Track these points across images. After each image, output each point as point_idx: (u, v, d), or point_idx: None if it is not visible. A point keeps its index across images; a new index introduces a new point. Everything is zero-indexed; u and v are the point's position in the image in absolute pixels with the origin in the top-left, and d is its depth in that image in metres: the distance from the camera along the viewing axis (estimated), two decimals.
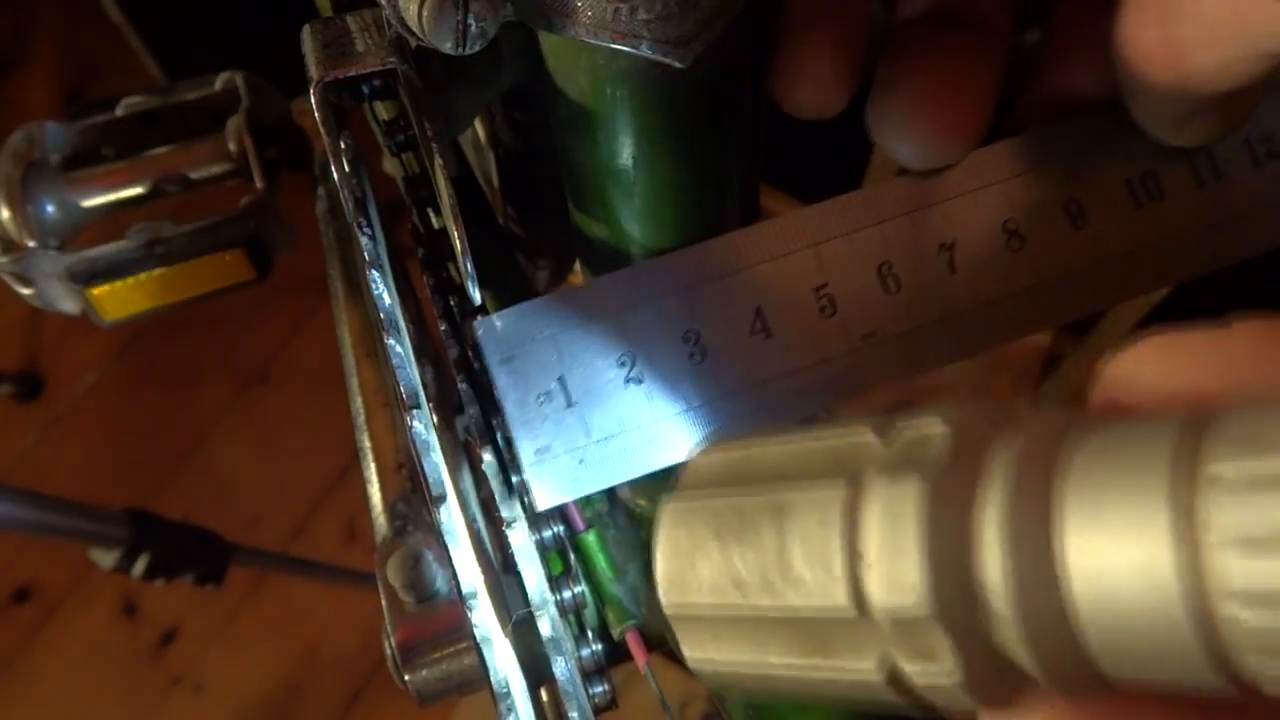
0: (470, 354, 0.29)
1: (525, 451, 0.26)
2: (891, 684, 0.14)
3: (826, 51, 0.25)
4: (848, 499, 0.14)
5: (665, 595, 0.17)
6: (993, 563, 0.12)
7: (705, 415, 0.26)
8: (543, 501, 0.26)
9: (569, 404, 0.26)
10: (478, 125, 0.55)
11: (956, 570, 0.13)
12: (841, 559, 0.14)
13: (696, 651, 0.17)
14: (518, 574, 0.32)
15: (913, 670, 0.13)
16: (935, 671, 0.13)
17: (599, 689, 0.34)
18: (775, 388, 0.26)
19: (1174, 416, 0.11)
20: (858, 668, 0.14)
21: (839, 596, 0.14)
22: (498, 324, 0.26)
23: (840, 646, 0.14)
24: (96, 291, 0.50)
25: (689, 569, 0.16)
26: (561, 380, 0.26)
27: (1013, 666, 0.13)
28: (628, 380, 0.26)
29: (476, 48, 0.21)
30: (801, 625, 0.15)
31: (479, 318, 0.26)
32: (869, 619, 0.13)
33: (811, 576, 0.14)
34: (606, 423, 0.26)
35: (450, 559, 0.28)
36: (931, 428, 0.14)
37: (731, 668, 0.16)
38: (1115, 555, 0.11)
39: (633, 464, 0.26)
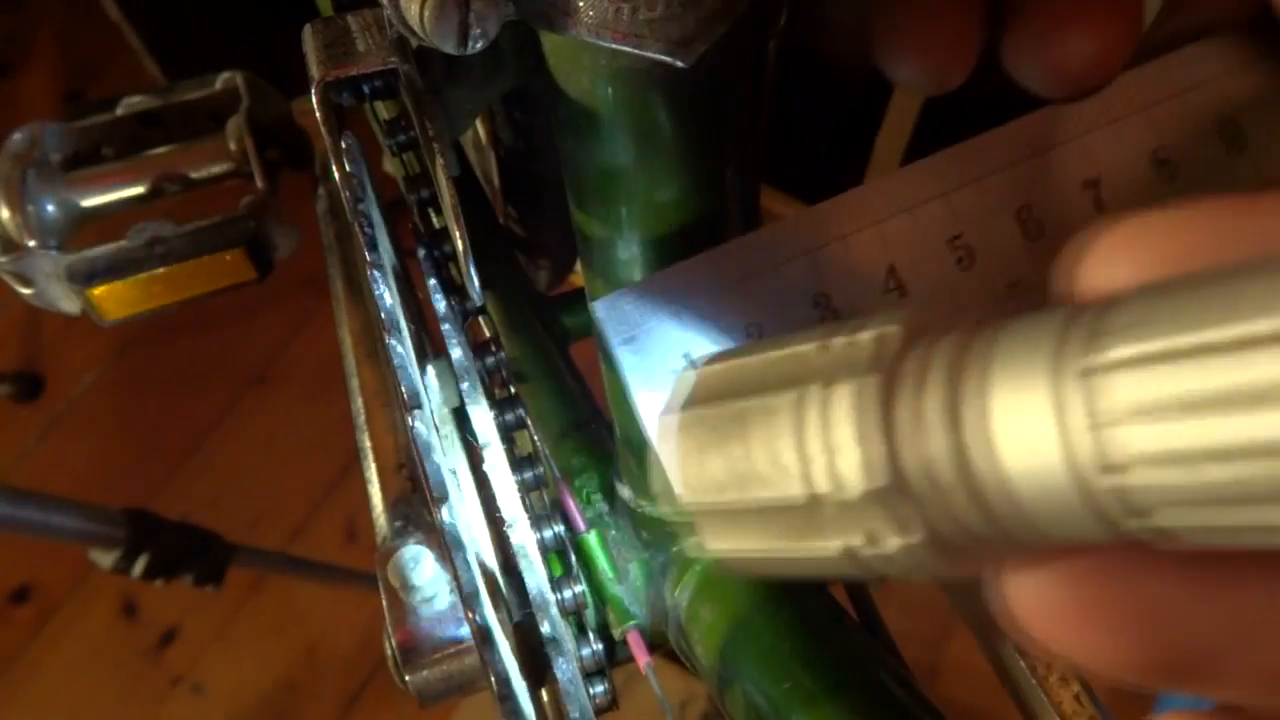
0: (488, 353, 0.29)
1: (656, 438, 0.24)
2: (857, 557, 0.16)
3: (944, 15, 0.23)
4: (800, 405, 0.16)
5: (684, 494, 0.19)
6: (937, 440, 0.14)
7: None
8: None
9: None
10: (479, 125, 0.55)
11: (913, 451, 0.15)
12: (811, 459, 0.16)
13: (714, 541, 0.19)
14: (519, 574, 0.32)
15: (888, 543, 0.15)
16: (907, 542, 0.15)
17: (599, 689, 0.35)
18: None
19: (1077, 306, 0.13)
20: (834, 545, 0.16)
21: (805, 487, 0.16)
22: (618, 303, 0.24)
23: (828, 529, 0.16)
24: (96, 291, 0.50)
25: (697, 471, 0.18)
26: (688, 357, 0.24)
27: (969, 533, 0.15)
28: None
29: (478, 48, 0.21)
30: (787, 513, 0.16)
31: (600, 298, 0.25)
32: (839, 502, 0.15)
33: (792, 469, 0.16)
34: None
35: (451, 559, 0.28)
36: (870, 333, 0.16)
37: (746, 553, 0.18)
38: (1025, 434, 0.13)
39: None
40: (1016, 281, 0.24)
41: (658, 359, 0.24)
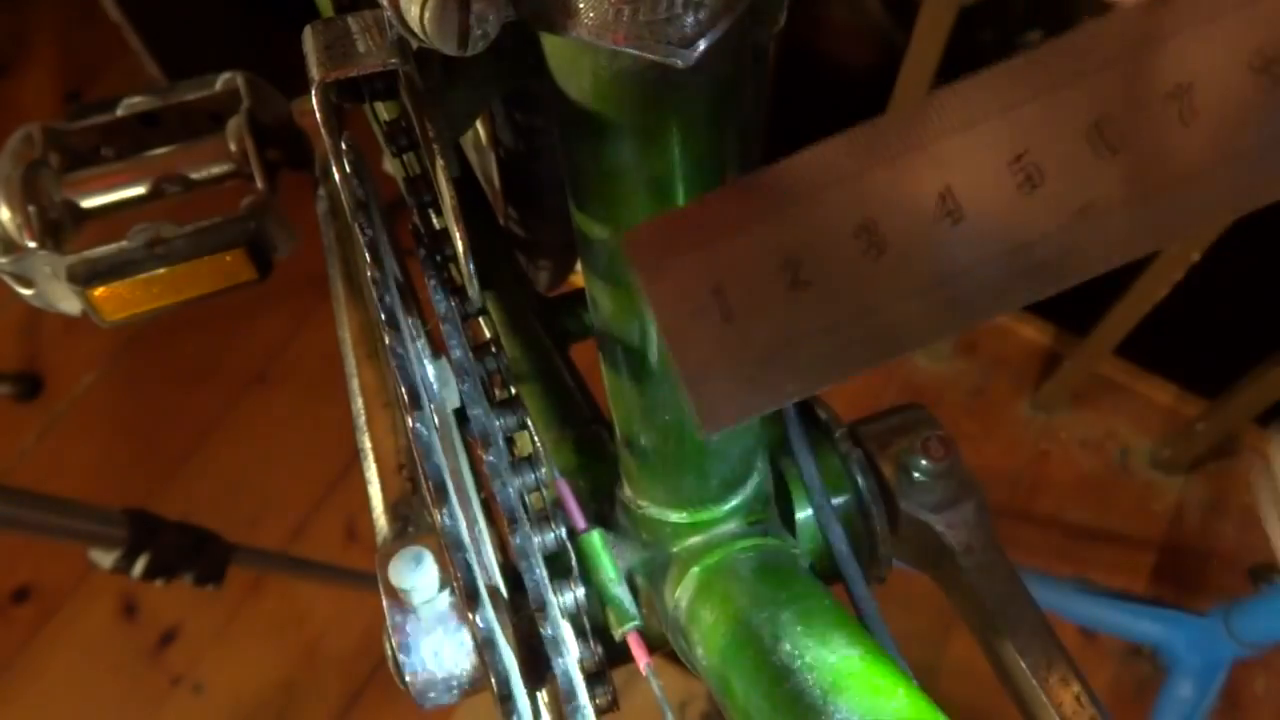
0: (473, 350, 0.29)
1: (684, 374, 0.23)
2: None
3: None
4: None
5: None
6: None
7: (885, 318, 0.23)
8: (709, 426, 0.23)
9: (728, 317, 0.23)
10: (479, 126, 0.55)
11: None
12: None
13: None
14: (519, 575, 0.32)
15: None
16: None
17: (600, 690, 0.34)
18: (970, 279, 0.22)
19: None
20: None
21: None
22: (646, 234, 0.23)
23: None
24: (97, 292, 0.49)
25: None
26: (717, 292, 0.23)
27: None
28: (793, 285, 0.23)
29: (478, 49, 0.21)
30: None
31: (626, 230, 0.23)
32: None
33: None
34: (772, 334, 0.23)
35: (451, 560, 0.28)
36: None
37: None
38: None
39: (806, 378, 0.23)
40: (1089, 205, 0.22)
41: (684, 295, 0.23)
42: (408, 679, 0.35)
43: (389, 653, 0.36)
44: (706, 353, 0.23)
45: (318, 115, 0.27)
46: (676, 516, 0.38)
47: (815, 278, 0.23)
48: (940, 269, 0.23)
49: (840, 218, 0.23)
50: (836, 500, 0.41)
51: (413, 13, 0.21)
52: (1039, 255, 0.22)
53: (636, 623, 0.38)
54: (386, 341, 0.28)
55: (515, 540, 0.33)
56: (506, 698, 0.28)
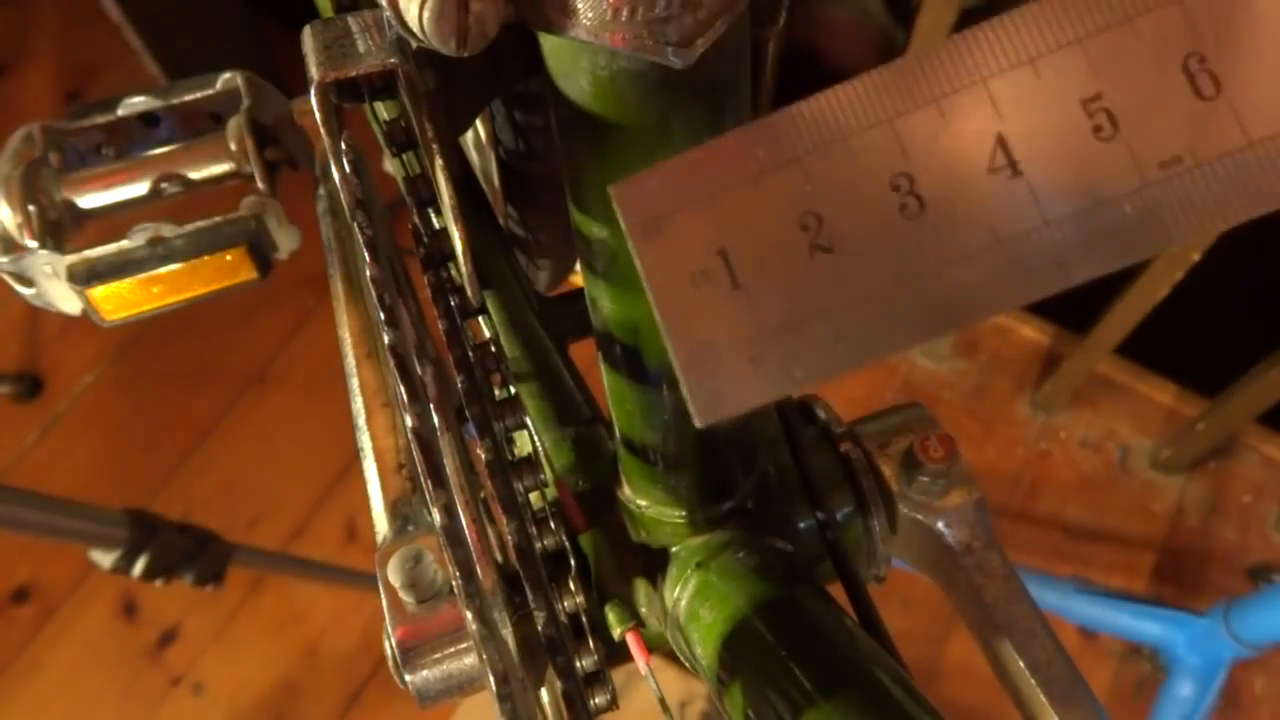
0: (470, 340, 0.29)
1: (678, 352, 0.20)
2: None
3: None
4: None
5: None
6: None
7: (927, 288, 0.19)
8: (703, 416, 0.20)
9: (734, 285, 0.20)
10: (479, 125, 0.55)
11: None
12: None
13: None
14: (518, 574, 0.32)
15: None
16: None
17: (599, 689, 0.35)
18: (1031, 244, 0.19)
19: None
20: None
21: None
22: (641, 185, 0.20)
23: None
24: (97, 292, 0.50)
25: None
26: (723, 254, 0.20)
27: None
28: (814, 247, 0.20)
29: (477, 49, 0.21)
30: None
31: (619, 180, 0.20)
32: None
33: None
34: (787, 307, 0.20)
35: (451, 559, 0.28)
36: None
37: None
38: None
39: (826, 360, 0.20)
40: (1176, 158, 0.19)
41: (684, 257, 0.20)
42: (407, 678, 0.35)
43: (389, 652, 0.36)
44: (707, 326, 0.20)
45: (317, 115, 0.27)
46: (676, 516, 0.38)
47: (841, 239, 0.20)
48: (995, 230, 0.19)
49: (873, 168, 0.19)
50: (835, 500, 0.41)
51: (412, 13, 0.21)
52: (1116, 217, 0.19)
53: (636, 622, 0.38)
54: (386, 341, 0.28)
55: (515, 539, 0.33)
56: (506, 697, 0.28)
